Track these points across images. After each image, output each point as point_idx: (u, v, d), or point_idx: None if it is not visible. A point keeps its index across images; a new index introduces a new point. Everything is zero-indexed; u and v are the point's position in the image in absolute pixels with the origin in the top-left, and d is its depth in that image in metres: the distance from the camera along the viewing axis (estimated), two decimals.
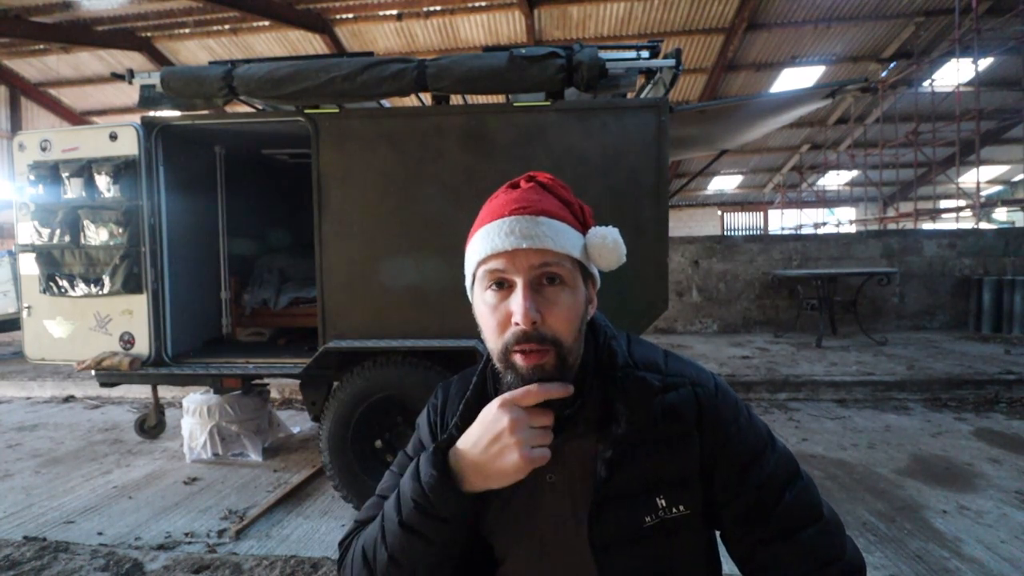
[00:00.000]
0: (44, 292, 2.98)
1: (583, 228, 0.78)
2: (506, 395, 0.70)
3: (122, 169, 2.89)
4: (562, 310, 0.71)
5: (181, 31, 10.78)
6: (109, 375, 3.00)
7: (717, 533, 0.82)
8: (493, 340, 0.73)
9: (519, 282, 0.71)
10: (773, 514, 0.74)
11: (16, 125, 12.98)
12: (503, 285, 0.73)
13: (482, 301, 0.75)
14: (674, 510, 0.74)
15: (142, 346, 2.95)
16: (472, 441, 0.71)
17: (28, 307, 3.04)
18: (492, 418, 0.70)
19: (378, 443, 2.86)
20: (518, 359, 0.71)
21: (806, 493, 0.77)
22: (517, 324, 0.70)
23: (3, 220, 12.70)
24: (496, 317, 0.72)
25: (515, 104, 2.75)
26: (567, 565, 0.77)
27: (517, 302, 0.70)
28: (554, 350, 0.70)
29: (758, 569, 0.76)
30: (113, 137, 2.91)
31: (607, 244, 0.76)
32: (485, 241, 0.73)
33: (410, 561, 0.72)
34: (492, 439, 0.69)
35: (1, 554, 2.27)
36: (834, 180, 18.28)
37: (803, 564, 0.73)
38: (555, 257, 0.72)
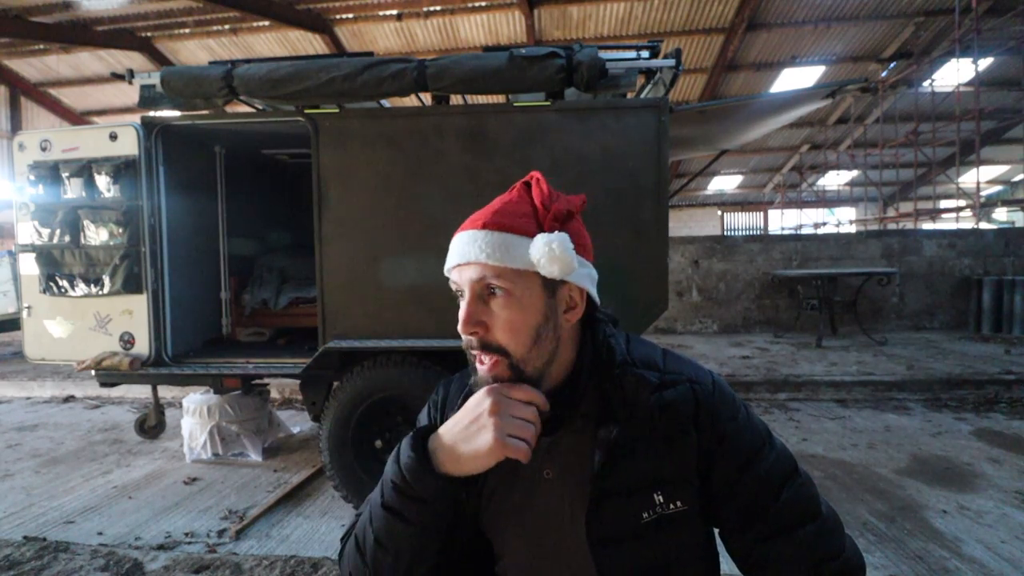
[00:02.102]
0: (44, 292, 2.98)
1: None
2: (496, 384, 0.72)
3: (122, 169, 2.89)
4: (502, 322, 0.73)
5: (181, 31, 10.77)
6: (109, 375, 3.00)
7: (716, 530, 0.82)
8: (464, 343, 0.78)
9: (467, 293, 0.75)
10: (771, 511, 0.75)
11: (16, 125, 12.97)
12: (461, 294, 0.77)
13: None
14: (671, 506, 0.75)
15: (142, 346, 2.95)
16: (454, 422, 0.73)
17: (28, 307, 3.04)
18: (476, 401, 0.72)
19: (378, 443, 2.85)
20: (479, 365, 0.75)
21: (804, 491, 0.77)
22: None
23: (3, 220, 12.70)
24: (460, 323, 0.76)
25: (515, 104, 2.75)
26: (565, 560, 0.78)
27: (461, 311, 0.74)
28: (505, 360, 0.73)
29: (756, 566, 0.77)
30: (113, 137, 2.91)
31: (553, 251, 0.71)
32: (449, 253, 0.78)
33: (393, 543, 0.73)
34: (472, 420, 0.71)
35: (1, 554, 2.27)
36: (834, 180, 18.27)
37: (801, 561, 0.74)
38: (494, 271, 0.73)
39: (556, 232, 0.73)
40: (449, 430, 0.72)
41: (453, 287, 0.78)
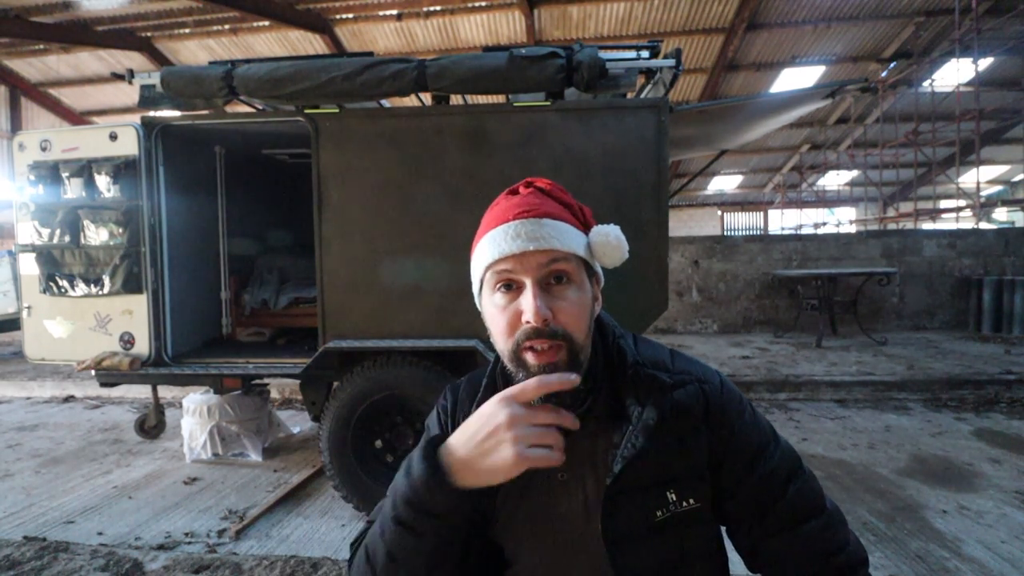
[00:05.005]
0: (44, 292, 2.98)
1: (585, 228, 0.80)
2: (506, 391, 0.68)
3: (122, 169, 2.89)
4: (571, 306, 0.73)
5: (181, 31, 10.77)
6: (109, 375, 3.00)
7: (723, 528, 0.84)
8: (504, 340, 0.74)
9: (528, 282, 0.72)
10: (778, 507, 0.77)
11: (16, 125, 12.96)
12: (512, 287, 0.74)
13: (491, 303, 0.76)
14: (685, 504, 0.77)
15: (142, 346, 2.95)
16: (467, 436, 0.68)
17: (28, 307, 3.04)
18: (489, 413, 0.68)
19: (378, 443, 2.85)
20: (530, 357, 0.72)
21: (809, 486, 0.80)
22: (528, 322, 0.71)
23: (3, 220, 12.70)
24: (506, 317, 0.73)
25: (515, 104, 2.75)
26: (581, 561, 0.78)
27: (528, 300, 0.71)
28: (566, 346, 0.72)
29: (764, 561, 0.79)
30: (113, 137, 2.91)
31: (610, 241, 0.78)
32: (492, 246, 0.74)
33: (405, 557, 0.70)
34: (487, 435, 0.66)
35: (1, 554, 2.27)
36: (834, 180, 18.28)
37: (807, 555, 0.76)
38: (561, 256, 0.73)
39: (608, 224, 0.79)
40: (463, 443, 0.68)
41: (498, 279, 0.74)
